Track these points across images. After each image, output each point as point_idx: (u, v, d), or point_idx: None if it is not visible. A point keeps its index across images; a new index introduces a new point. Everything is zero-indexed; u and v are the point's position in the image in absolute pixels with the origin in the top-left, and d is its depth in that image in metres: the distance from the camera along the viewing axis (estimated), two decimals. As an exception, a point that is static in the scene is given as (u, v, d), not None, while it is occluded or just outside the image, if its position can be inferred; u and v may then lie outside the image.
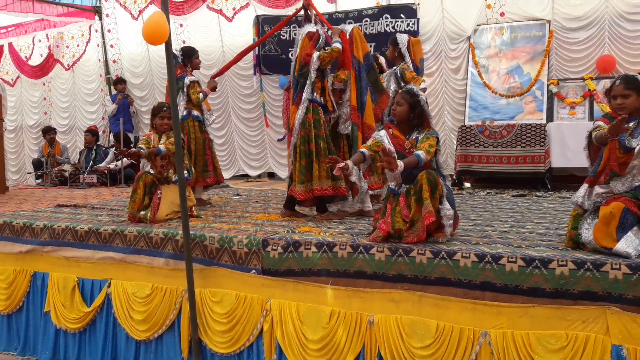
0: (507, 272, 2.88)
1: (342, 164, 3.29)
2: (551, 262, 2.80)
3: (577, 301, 2.73)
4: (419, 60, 5.04)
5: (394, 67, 5.19)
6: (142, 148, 4.47)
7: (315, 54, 4.37)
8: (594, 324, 2.64)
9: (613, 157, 3.00)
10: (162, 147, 4.44)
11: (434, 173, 3.26)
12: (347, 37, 4.54)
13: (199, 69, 5.85)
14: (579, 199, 3.12)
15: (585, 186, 3.13)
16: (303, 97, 4.38)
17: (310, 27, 4.54)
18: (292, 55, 5.93)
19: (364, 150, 3.53)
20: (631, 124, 3.04)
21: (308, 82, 4.38)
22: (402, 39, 5.00)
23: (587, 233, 2.96)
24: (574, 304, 2.72)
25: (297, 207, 4.62)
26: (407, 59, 4.88)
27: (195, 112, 5.53)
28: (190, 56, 5.59)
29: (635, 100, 3.06)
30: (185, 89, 5.43)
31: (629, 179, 3.01)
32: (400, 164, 3.17)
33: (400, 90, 3.51)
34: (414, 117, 3.48)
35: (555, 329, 2.70)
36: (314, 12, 6.17)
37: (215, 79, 5.75)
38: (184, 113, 5.43)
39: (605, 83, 6.57)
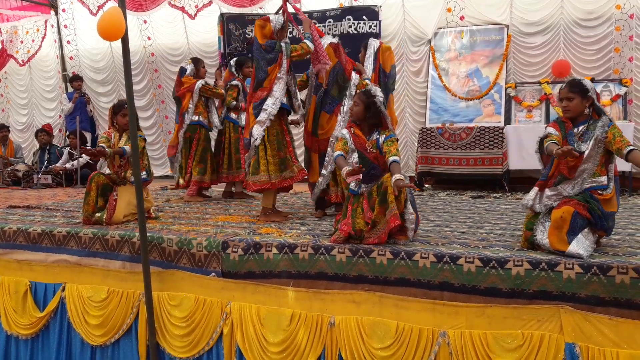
0: (465, 272, 2.93)
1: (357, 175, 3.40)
2: (507, 263, 2.86)
3: (532, 300, 2.80)
4: (390, 67, 4.98)
5: None
6: (103, 147, 4.35)
7: (354, 75, 4.62)
8: (549, 322, 2.71)
9: (563, 162, 3.09)
10: (127, 147, 4.28)
11: None
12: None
13: (204, 77, 6.25)
14: (529, 202, 3.20)
15: (535, 189, 3.21)
16: (345, 109, 4.52)
17: (331, 39, 4.69)
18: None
19: (341, 152, 3.54)
20: (580, 128, 3.14)
21: (348, 93, 4.57)
22: (374, 44, 4.99)
23: (541, 235, 3.04)
24: (529, 304, 2.79)
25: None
26: (369, 63, 4.88)
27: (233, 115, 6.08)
28: (197, 65, 6.13)
29: (579, 103, 3.15)
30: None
31: (579, 182, 3.10)
32: (398, 175, 3.19)
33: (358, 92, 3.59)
34: (369, 116, 3.59)
35: (511, 329, 2.76)
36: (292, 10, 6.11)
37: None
38: (195, 119, 5.96)
39: (561, 87, 6.76)
